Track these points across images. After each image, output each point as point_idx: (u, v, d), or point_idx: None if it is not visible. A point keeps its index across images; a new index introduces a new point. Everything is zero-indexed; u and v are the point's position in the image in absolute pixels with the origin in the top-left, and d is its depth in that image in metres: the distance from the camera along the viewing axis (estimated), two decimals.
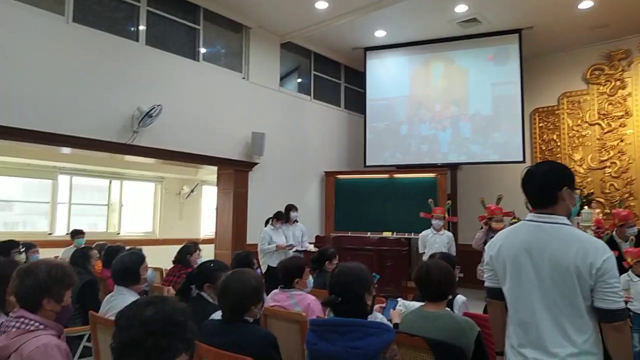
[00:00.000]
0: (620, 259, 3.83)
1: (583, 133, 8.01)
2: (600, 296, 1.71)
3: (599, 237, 4.38)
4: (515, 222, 6.25)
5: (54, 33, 5.31)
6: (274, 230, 6.19)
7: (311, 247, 6.44)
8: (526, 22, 7.24)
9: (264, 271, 5.82)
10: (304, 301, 2.93)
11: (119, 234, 8.89)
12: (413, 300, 3.19)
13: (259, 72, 7.56)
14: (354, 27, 7.57)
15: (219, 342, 1.98)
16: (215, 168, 7.37)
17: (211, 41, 7.15)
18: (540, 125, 8.49)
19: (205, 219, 10.19)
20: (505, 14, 7.06)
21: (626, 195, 7.37)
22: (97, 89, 5.60)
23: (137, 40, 6.17)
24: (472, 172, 8.86)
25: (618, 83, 7.63)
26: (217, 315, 2.18)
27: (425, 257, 5.78)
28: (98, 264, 4.22)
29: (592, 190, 7.69)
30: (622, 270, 3.97)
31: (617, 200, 7.14)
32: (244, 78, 7.43)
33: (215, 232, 7.42)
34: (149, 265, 2.90)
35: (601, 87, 7.82)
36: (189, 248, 4.11)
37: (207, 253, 4.81)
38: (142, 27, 6.20)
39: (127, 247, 4.30)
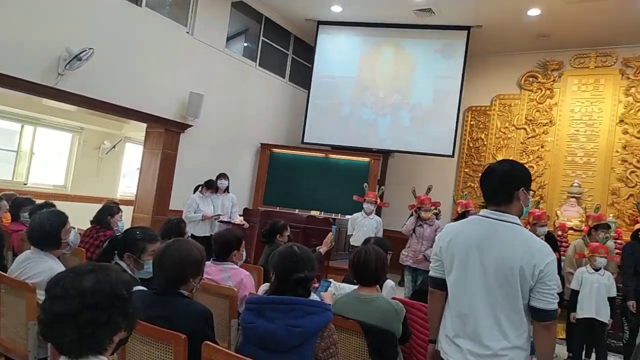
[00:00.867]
0: None
1: (509, 135, 8.48)
2: (538, 296, 1.79)
3: None
4: (437, 213, 6.49)
5: None
6: (202, 198, 5.94)
7: (240, 219, 6.27)
8: (477, 20, 7.44)
9: None
10: (237, 276, 2.82)
11: (25, 184, 8.11)
12: (343, 282, 3.22)
13: (205, 29, 7.12)
14: None
15: (148, 315, 1.82)
16: (144, 125, 6.89)
17: None
18: (472, 123, 8.86)
19: (124, 178, 9.58)
20: (459, 10, 7.19)
21: (537, 198, 7.93)
22: (22, 21, 4.93)
23: None
24: (402, 161, 9.10)
25: (547, 92, 8.12)
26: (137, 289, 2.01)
27: (353, 239, 5.87)
28: (6, 217, 3.78)
29: None
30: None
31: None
32: (188, 32, 6.95)
33: (136, 195, 6.99)
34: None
35: (532, 94, 8.29)
36: (111, 209, 3.79)
37: (124, 216, 4.46)
38: None
39: (39, 202, 3.90)
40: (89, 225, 3.78)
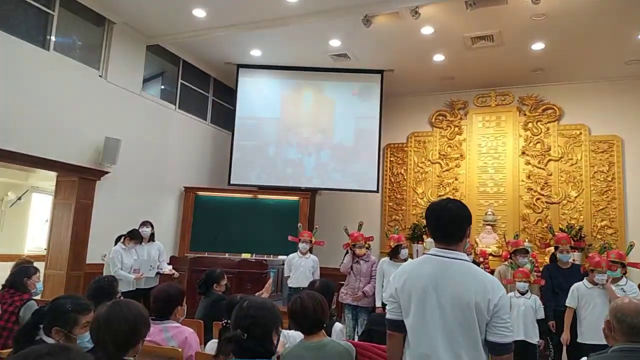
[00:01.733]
0: None
1: (426, 170, 8.98)
2: (493, 330, 1.85)
3: None
4: (367, 247, 6.62)
5: None
6: (125, 250, 5.54)
7: (169, 269, 5.92)
8: (389, 65, 7.93)
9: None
10: (180, 335, 2.61)
11: None
12: (289, 328, 3.12)
13: (119, 72, 6.83)
14: (230, 41, 7.38)
15: None
16: (53, 174, 6.35)
17: (66, 30, 6.23)
18: (391, 159, 9.28)
19: (32, 232, 8.69)
20: (372, 56, 7.63)
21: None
22: None
23: None
24: (329, 198, 9.25)
25: (456, 129, 8.77)
26: None
27: (290, 281, 5.76)
28: None
29: None
30: None
31: None
32: (100, 76, 6.63)
33: (48, 249, 6.34)
34: None
35: (443, 131, 8.90)
36: (27, 270, 3.36)
37: None
38: None
39: None
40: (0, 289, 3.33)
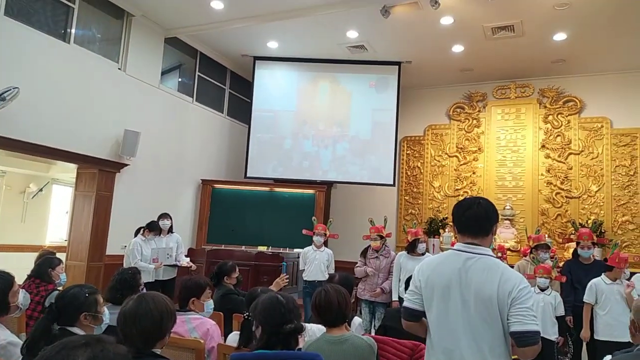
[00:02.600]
0: None
1: (443, 163, 8.89)
2: (514, 319, 1.81)
3: None
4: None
5: None
6: (144, 241, 5.62)
7: (186, 261, 5.97)
8: (406, 56, 7.84)
9: None
10: (202, 326, 2.63)
11: None
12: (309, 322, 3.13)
13: (138, 65, 6.89)
14: (247, 33, 7.38)
15: None
16: (73, 166, 6.45)
17: (86, 23, 6.30)
18: (408, 152, 9.20)
19: (53, 223, 8.86)
20: (389, 47, 7.55)
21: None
22: None
23: None
24: (345, 191, 9.23)
25: (474, 122, 8.66)
26: None
27: (305, 274, 5.78)
28: None
29: (446, 215, 8.51)
30: None
31: None
32: (120, 69, 6.69)
33: (68, 240, 6.47)
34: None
35: (460, 124, 8.79)
36: (51, 261, 3.44)
37: None
38: None
39: None
40: (25, 279, 3.41)
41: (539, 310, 4.40)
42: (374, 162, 8.21)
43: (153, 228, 5.63)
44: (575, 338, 4.75)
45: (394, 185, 8.37)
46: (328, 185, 8.65)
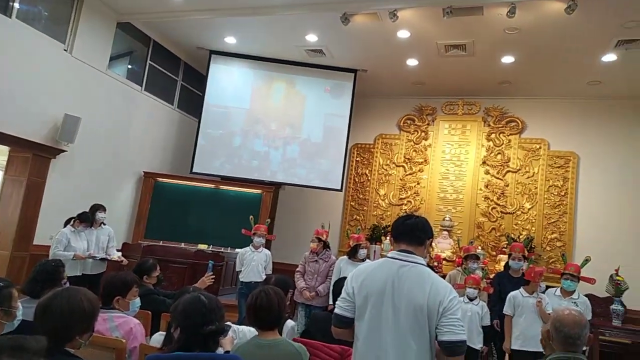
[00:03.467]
0: None
1: (390, 172, 9.08)
2: (443, 329, 1.88)
3: None
4: (327, 245, 6.61)
5: None
6: (74, 233, 5.34)
7: (117, 255, 5.75)
8: (363, 64, 7.96)
9: None
10: (125, 325, 2.53)
11: None
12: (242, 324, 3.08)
13: (86, 48, 6.57)
14: (205, 26, 7.23)
15: None
16: (6, 148, 6.06)
17: None
18: (357, 159, 9.34)
19: None
20: (347, 54, 7.64)
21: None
22: None
23: None
24: (293, 193, 9.24)
25: (423, 134, 8.91)
26: None
27: (242, 275, 5.68)
28: None
29: (389, 223, 8.69)
30: None
31: None
32: (66, 50, 6.35)
33: None
34: None
35: (410, 135, 9.02)
36: None
37: None
38: None
39: None
40: None
41: (466, 319, 4.57)
42: (324, 167, 8.25)
43: (84, 219, 5.37)
44: (499, 347, 4.97)
45: (341, 190, 8.47)
46: (276, 186, 8.61)
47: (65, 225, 5.40)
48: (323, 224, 5.97)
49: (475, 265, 5.22)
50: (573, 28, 5.90)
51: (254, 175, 8.11)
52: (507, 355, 4.83)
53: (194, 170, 8.05)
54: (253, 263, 5.65)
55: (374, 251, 7.97)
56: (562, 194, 8.01)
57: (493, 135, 8.48)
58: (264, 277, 5.49)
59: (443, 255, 7.52)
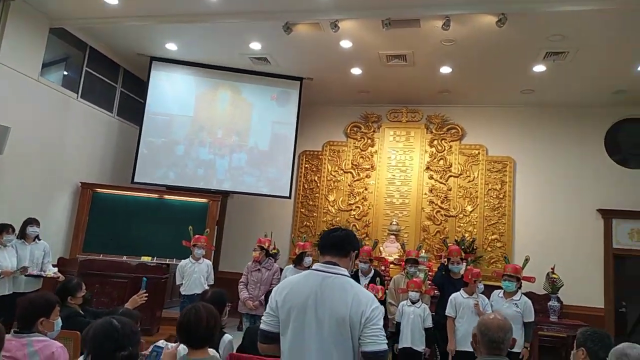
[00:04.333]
0: None
1: (338, 178, 9.18)
2: (366, 340, 1.90)
3: None
4: (276, 253, 6.62)
5: None
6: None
7: (54, 272, 5.46)
8: (308, 73, 8.01)
9: None
10: (46, 349, 2.39)
11: None
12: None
13: (15, 55, 6.21)
14: (144, 32, 7.03)
15: None
16: None
17: None
18: (306, 166, 9.37)
19: None
20: (292, 62, 7.66)
21: (363, 235, 8.66)
22: None
23: None
24: (241, 202, 9.15)
25: (369, 141, 9.07)
26: None
27: (184, 289, 5.53)
28: None
29: None
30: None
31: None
32: None
33: None
34: None
35: (357, 142, 9.16)
36: None
37: None
38: None
39: None
40: None
41: (409, 322, 4.68)
42: (272, 174, 8.22)
43: (2, 229, 5.04)
44: (442, 349, 5.11)
45: (290, 197, 8.47)
46: (223, 194, 8.48)
47: None
48: (266, 233, 5.94)
49: (413, 269, 5.35)
50: (505, 40, 6.21)
51: (200, 184, 7.95)
52: (450, 357, 4.97)
53: (135, 180, 7.78)
54: (195, 275, 5.54)
55: None
56: (501, 196, 8.38)
57: (435, 142, 8.76)
58: (207, 287, 5.38)
59: (390, 259, 7.65)
